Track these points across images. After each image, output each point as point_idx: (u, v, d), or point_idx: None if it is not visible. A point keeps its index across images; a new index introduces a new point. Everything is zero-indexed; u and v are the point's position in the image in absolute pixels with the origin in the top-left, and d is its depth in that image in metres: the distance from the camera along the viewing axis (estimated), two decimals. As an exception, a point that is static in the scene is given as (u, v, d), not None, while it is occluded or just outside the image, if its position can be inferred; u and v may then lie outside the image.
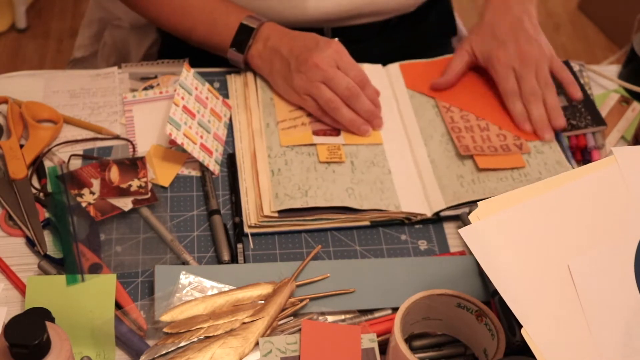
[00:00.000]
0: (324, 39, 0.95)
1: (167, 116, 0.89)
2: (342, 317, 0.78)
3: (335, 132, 0.94)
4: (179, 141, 0.88)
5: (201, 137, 0.92)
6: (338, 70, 0.93)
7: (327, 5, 1.04)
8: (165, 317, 0.74)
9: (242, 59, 0.98)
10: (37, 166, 0.90)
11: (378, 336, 0.74)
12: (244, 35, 0.97)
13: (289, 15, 1.04)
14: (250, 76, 1.00)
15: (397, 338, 0.68)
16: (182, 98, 0.92)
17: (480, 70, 1.01)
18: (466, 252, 0.85)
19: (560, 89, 1.01)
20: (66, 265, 0.79)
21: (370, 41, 1.10)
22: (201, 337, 0.73)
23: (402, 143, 0.95)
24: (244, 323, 0.74)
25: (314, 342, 0.72)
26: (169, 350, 0.72)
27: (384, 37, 1.12)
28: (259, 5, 1.02)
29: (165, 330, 0.73)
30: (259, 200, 0.87)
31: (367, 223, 0.87)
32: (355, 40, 1.04)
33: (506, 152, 0.92)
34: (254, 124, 0.95)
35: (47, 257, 0.81)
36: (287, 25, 1.00)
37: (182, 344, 0.73)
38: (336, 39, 0.96)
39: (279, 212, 0.85)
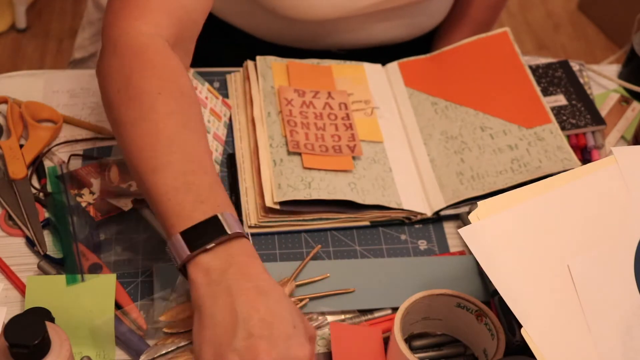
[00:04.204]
0: (304, 332, 0.63)
1: None
2: (342, 317, 0.78)
3: None
4: None
5: (201, 137, 0.91)
6: None
7: (335, 42, 1.05)
8: (165, 317, 0.74)
9: (185, 258, 0.65)
10: (37, 166, 0.89)
11: (378, 336, 0.74)
12: (209, 229, 0.66)
13: (294, 39, 1.05)
14: (251, 66, 1.00)
15: (397, 338, 0.68)
16: None
17: (476, 64, 1.01)
18: (466, 252, 0.85)
19: (560, 87, 1.01)
20: (66, 265, 0.79)
21: (374, 58, 1.10)
22: (201, 337, 0.73)
23: (402, 142, 0.95)
24: (244, 323, 0.74)
25: (343, 344, 0.72)
26: (169, 350, 0.72)
27: (389, 55, 1.12)
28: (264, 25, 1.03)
29: (165, 330, 0.73)
30: (260, 199, 0.86)
31: (367, 223, 0.87)
32: (359, 57, 1.05)
33: (337, 153, 0.90)
34: (255, 112, 0.94)
35: (47, 257, 0.81)
36: (298, 41, 1.00)
37: (182, 343, 0.72)
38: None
39: (281, 204, 0.85)
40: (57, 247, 0.82)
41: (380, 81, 1.01)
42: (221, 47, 1.11)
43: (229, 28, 1.09)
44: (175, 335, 0.73)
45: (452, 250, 0.86)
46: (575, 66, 1.06)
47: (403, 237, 0.87)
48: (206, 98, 0.96)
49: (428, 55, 1.04)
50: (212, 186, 0.68)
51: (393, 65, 1.03)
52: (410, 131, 0.96)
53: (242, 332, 0.60)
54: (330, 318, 0.78)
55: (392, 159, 0.93)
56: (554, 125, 0.93)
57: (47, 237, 0.83)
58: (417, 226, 0.89)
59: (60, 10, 2.43)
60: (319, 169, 0.88)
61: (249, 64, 1.00)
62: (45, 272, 0.79)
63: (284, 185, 0.85)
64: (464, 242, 0.82)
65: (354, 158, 0.90)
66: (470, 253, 0.82)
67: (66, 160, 0.90)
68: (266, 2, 0.98)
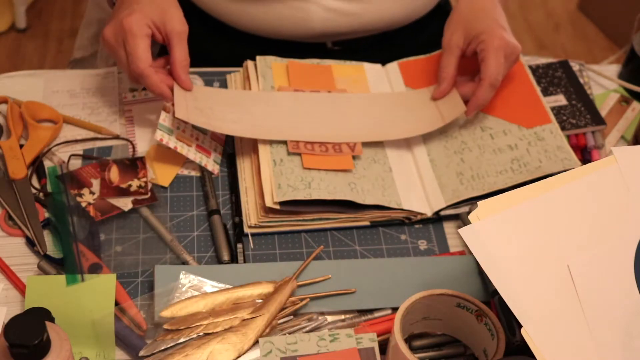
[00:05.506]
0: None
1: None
2: (342, 317, 0.78)
3: None
4: (171, 145, 0.88)
5: (197, 139, 0.91)
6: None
7: (332, 25, 1.05)
8: (166, 313, 0.74)
9: None
10: (37, 166, 0.90)
11: (378, 336, 0.74)
12: None
13: (293, 30, 1.05)
14: (251, 66, 1.00)
15: (397, 338, 0.68)
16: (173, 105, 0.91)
17: (476, 64, 1.00)
18: (466, 252, 0.85)
19: (560, 87, 1.01)
20: (66, 265, 0.79)
21: (369, 51, 1.10)
22: (200, 334, 0.73)
23: (402, 142, 0.95)
24: (243, 320, 0.75)
25: None
26: (168, 345, 0.72)
27: (383, 46, 1.12)
28: (262, 18, 1.03)
29: (165, 326, 0.73)
30: (260, 199, 0.86)
31: (367, 223, 0.87)
32: (355, 50, 1.05)
33: (337, 152, 0.90)
34: None
35: (47, 257, 0.81)
36: (290, 39, 0.99)
37: (181, 340, 0.73)
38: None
39: (281, 205, 0.85)
40: (57, 247, 0.82)
41: (380, 81, 1.01)
42: (218, 45, 1.10)
43: (224, 26, 1.09)
44: (175, 331, 0.73)
45: (452, 250, 0.86)
46: (575, 66, 1.06)
47: (403, 237, 0.87)
48: (206, 98, 0.95)
49: (428, 55, 1.04)
50: None
51: (393, 65, 1.03)
52: (410, 131, 0.96)
53: None
54: (330, 318, 0.78)
55: (392, 159, 0.93)
56: (554, 125, 0.93)
57: (47, 237, 0.83)
58: (417, 226, 0.89)
59: (60, 10, 2.43)
60: (319, 169, 0.88)
61: (249, 64, 1.00)
62: (45, 272, 0.79)
63: (284, 185, 0.85)
64: (464, 242, 0.82)
65: (354, 158, 0.90)
66: (470, 253, 0.82)
67: (66, 160, 0.90)
68: None
